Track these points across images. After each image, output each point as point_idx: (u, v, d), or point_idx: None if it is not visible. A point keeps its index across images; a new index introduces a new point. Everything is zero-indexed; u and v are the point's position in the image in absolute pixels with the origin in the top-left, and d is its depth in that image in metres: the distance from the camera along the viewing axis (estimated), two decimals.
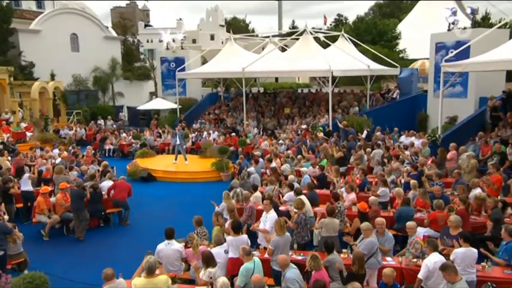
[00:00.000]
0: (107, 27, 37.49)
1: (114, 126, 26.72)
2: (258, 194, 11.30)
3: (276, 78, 44.92)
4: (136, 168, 16.94)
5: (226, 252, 7.68)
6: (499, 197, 10.08)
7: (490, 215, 9.22)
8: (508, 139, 14.05)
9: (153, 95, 32.99)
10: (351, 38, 26.27)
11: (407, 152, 14.55)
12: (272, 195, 10.31)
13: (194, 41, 48.66)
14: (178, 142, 18.16)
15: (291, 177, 12.16)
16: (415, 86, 25.42)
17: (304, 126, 21.47)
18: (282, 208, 10.58)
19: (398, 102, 23.75)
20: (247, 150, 19.93)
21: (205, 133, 22.67)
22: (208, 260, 7.03)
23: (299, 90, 31.62)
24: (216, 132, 22.66)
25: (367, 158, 15.17)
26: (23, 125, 23.05)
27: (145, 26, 51.57)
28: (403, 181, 12.27)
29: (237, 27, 56.37)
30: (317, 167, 13.82)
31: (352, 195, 10.87)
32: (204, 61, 31.99)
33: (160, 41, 33.37)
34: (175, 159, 18.40)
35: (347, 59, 22.81)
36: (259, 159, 15.09)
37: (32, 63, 30.94)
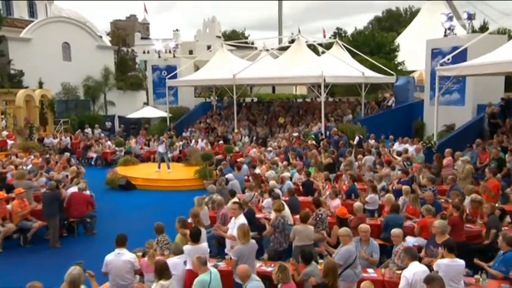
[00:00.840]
0: (101, 36, 36.91)
1: (102, 135, 25.88)
2: (235, 200, 10.35)
3: (273, 89, 44.39)
4: (115, 176, 16.05)
5: (186, 263, 6.75)
6: (496, 204, 9.13)
7: (486, 222, 8.25)
8: (507, 147, 13.16)
9: (146, 104, 32.27)
10: (346, 46, 25.59)
11: (399, 158, 13.63)
12: (247, 201, 9.40)
13: (191, 52, 48.18)
14: (162, 150, 17.34)
15: (271, 182, 11.28)
16: (411, 94, 24.61)
17: (295, 134, 20.62)
18: (259, 215, 9.66)
19: (393, 110, 22.92)
20: (235, 158, 19.07)
21: (193, 141, 21.82)
22: (162, 271, 6.08)
23: (294, 100, 30.82)
24: (204, 140, 21.81)
25: (358, 165, 14.27)
26: (4, 133, 22.23)
27: (142, 37, 51.22)
28: (394, 188, 11.35)
29: (235, 40, 55.95)
30: (303, 173, 12.91)
31: (337, 202, 9.95)
32: (198, 70, 31.30)
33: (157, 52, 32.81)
34: (159, 168, 17.55)
35: (341, 65, 22.07)
36: (243, 165, 14.18)
37: (22, 72, 30.25)
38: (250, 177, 13.03)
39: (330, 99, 26.96)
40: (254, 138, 22.91)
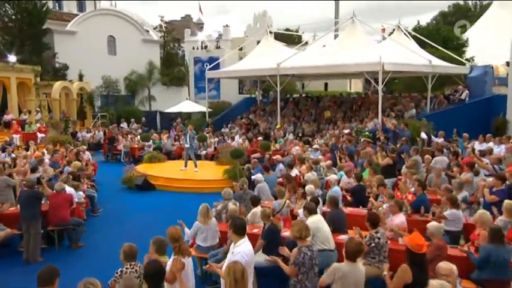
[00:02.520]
0: (147, 30, 35.40)
1: (139, 130, 23.95)
2: (257, 209, 7.47)
3: (326, 86, 40.93)
4: (132, 174, 13.70)
5: None
6: None
7: None
8: None
9: (188, 99, 30.23)
10: (409, 32, 21.86)
11: (485, 160, 10.07)
12: (267, 213, 6.47)
13: (241, 49, 45.84)
14: (187, 145, 14.81)
15: (309, 187, 8.25)
16: (489, 87, 20.43)
17: (346, 131, 17.39)
18: (285, 233, 6.71)
19: (468, 104, 19.00)
20: (273, 155, 16.25)
21: (229, 137, 19.19)
22: None
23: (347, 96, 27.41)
24: (242, 137, 19.12)
25: (425, 168, 10.87)
26: (36, 126, 20.80)
27: (191, 34, 49.62)
28: (482, 200, 7.95)
29: (288, 37, 52.89)
30: (353, 176, 9.77)
31: (400, 218, 6.77)
32: None
33: (205, 47, 30.61)
34: (185, 166, 15.03)
35: (403, 52, 18.47)
36: (279, 165, 11.22)
37: (66, 65, 29.26)
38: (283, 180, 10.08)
39: (389, 95, 23.27)
40: (300, 135, 19.90)
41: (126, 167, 14.24)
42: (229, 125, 22.85)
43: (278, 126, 19.58)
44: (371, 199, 8.68)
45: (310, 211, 6.48)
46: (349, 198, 9.41)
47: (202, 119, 24.13)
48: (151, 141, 18.61)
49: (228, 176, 13.44)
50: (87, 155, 15.35)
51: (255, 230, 7.06)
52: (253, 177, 9.62)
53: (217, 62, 24.93)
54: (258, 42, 43.83)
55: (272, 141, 17.91)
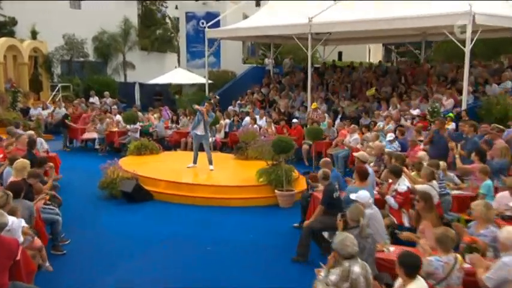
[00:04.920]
0: None
1: (115, 107, 19.97)
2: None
3: (340, 55, 37.30)
4: (115, 174, 9.75)
5: None
6: None
7: None
8: None
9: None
10: None
11: None
12: None
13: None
14: (200, 132, 10.97)
15: None
16: None
17: (416, 112, 13.80)
18: None
19: None
20: (319, 148, 12.56)
21: (247, 119, 15.44)
22: None
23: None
24: (264, 118, 15.44)
25: None
26: None
27: None
28: None
29: None
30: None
31: None
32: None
33: None
34: (194, 162, 11.18)
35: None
36: (367, 168, 7.43)
37: (14, 19, 25.18)
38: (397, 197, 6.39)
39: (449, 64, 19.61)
40: (339, 117, 16.25)
41: (106, 163, 10.21)
42: (238, 103, 19.11)
43: (314, 105, 15.85)
44: None
45: None
46: None
47: (199, 94, 20.33)
48: (138, 123, 14.66)
49: (266, 180, 9.67)
50: (42, 143, 11.38)
51: None
52: (354, 196, 5.84)
53: (217, 19, 20.95)
54: None
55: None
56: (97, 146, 15.14)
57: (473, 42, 12.88)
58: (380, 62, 26.86)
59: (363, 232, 4.82)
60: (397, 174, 6.85)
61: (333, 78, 20.85)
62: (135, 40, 29.94)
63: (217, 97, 19.16)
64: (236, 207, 9.48)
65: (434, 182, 6.79)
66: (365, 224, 4.89)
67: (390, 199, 6.77)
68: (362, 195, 5.76)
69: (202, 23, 22.80)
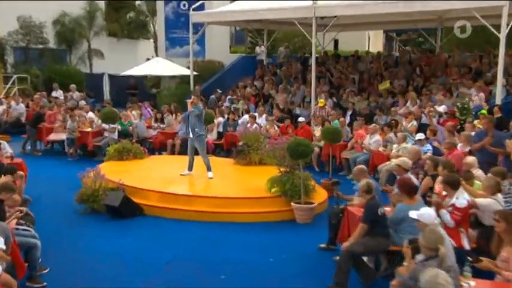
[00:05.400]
0: None
1: (83, 102, 19.40)
2: None
3: (336, 44, 37.31)
4: (97, 184, 9.10)
5: None
6: None
7: None
8: None
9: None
10: None
11: None
12: None
13: None
14: (191, 135, 10.38)
15: None
16: None
17: (441, 109, 13.47)
18: None
19: None
20: (332, 151, 12.12)
21: (245, 117, 15.00)
22: None
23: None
24: (264, 116, 15.09)
25: None
26: None
27: None
28: None
29: None
30: None
31: None
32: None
33: None
34: (189, 169, 10.59)
35: None
36: (413, 180, 6.93)
37: None
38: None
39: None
40: (349, 114, 15.88)
41: (88, 170, 9.53)
42: (228, 97, 18.66)
43: (322, 101, 15.44)
44: None
45: None
46: None
47: (183, 87, 19.83)
48: (117, 122, 14.06)
49: (280, 190, 9.14)
50: (5, 146, 10.71)
51: None
52: (414, 215, 5.35)
53: (200, 1, 20.46)
54: None
55: (315, 126, 13.90)
56: (68, 149, 14.43)
57: (509, 28, 12.61)
58: (389, 51, 26.71)
59: (444, 264, 4.32)
60: (454, 186, 6.39)
61: (335, 69, 20.56)
62: (101, 24, 29.81)
63: (197, 87, 18.68)
64: (244, 223, 8.94)
65: (500, 196, 6.36)
66: (445, 254, 4.38)
67: (446, 215, 6.30)
68: (426, 213, 5.27)
69: (184, 5, 22.44)
